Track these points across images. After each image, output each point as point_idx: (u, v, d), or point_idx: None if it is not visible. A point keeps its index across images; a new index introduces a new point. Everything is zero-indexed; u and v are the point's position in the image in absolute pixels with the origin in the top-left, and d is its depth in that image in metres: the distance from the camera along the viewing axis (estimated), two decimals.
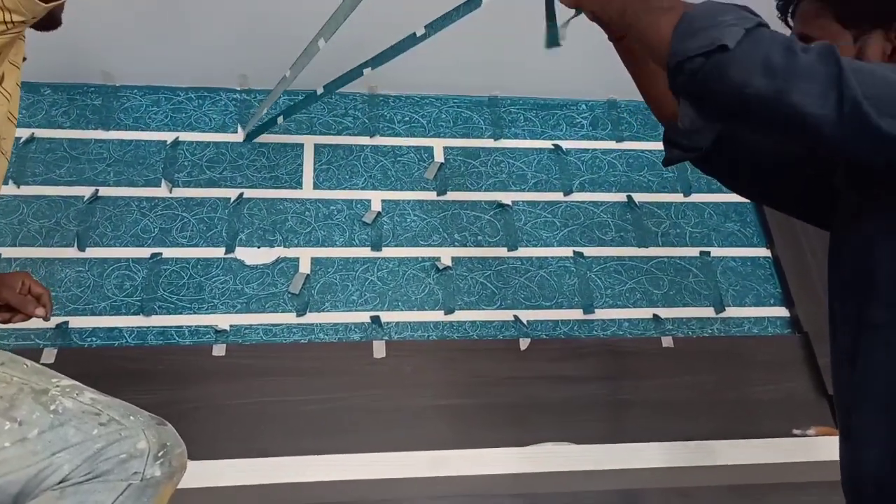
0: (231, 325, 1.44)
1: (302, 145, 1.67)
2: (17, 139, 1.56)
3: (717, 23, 0.67)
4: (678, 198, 1.72)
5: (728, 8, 0.69)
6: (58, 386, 0.76)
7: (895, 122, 0.63)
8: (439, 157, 1.70)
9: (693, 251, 1.64)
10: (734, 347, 1.54)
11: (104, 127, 1.62)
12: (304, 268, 1.52)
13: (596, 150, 1.77)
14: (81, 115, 1.63)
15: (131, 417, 0.77)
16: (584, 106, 1.83)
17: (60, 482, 0.71)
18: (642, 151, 1.78)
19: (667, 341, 1.53)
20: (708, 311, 1.59)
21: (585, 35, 1.65)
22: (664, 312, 1.57)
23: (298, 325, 1.46)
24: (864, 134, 0.64)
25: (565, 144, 1.76)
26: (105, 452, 0.73)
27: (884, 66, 0.68)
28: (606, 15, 0.85)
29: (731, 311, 1.59)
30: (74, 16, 1.51)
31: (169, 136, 1.63)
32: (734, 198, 1.74)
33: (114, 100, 1.66)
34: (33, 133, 1.58)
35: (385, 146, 1.70)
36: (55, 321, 1.39)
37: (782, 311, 1.61)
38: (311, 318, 1.47)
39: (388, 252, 1.56)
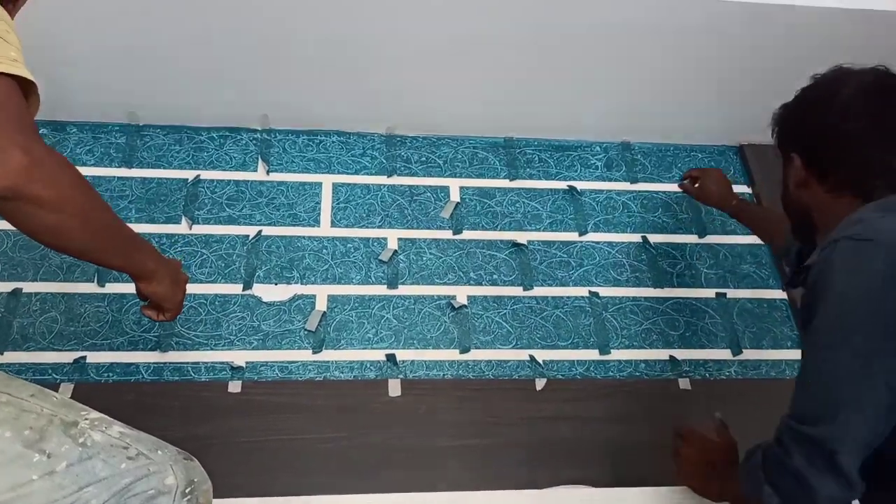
0: (247, 362, 1.44)
1: (320, 184, 1.69)
2: None
3: (753, 492, 0.92)
4: (693, 239, 1.73)
5: (746, 471, 0.96)
6: (87, 419, 0.76)
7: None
8: (455, 196, 1.72)
9: (709, 292, 1.64)
10: (752, 391, 1.53)
11: (127, 165, 1.65)
12: (321, 305, 1.52)
13: (610, 190, 1.78)
14: (105, 153, 1.67)
15: (159, 452, 0.77)
16: (598, 147, 1.86)
17: None
18: (656, 192, 1.80)
19: (684, 383, 1.52)
20: (725, 353, 1.58)
21: (600, 78, 1.69)
22: (681, 354, 1.56)
23: (314, 362, 1.46)
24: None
25: (580, 185, 1.78)
26: (133, 488, 0.72)
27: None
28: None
29: (749, 354, 1.58)
30: (102, 58, 1.57)
31: (190, 174, 1.66)
32: (749, 240, 1.74)
33: (137, 139, 1.70)
34: None
35: (402, 186, 1.72)
36: (72, 356, 1.39)
37: (799, 355, 1.59)
38: (327, 355, 1.47)
39: (404, 290, 1.57)
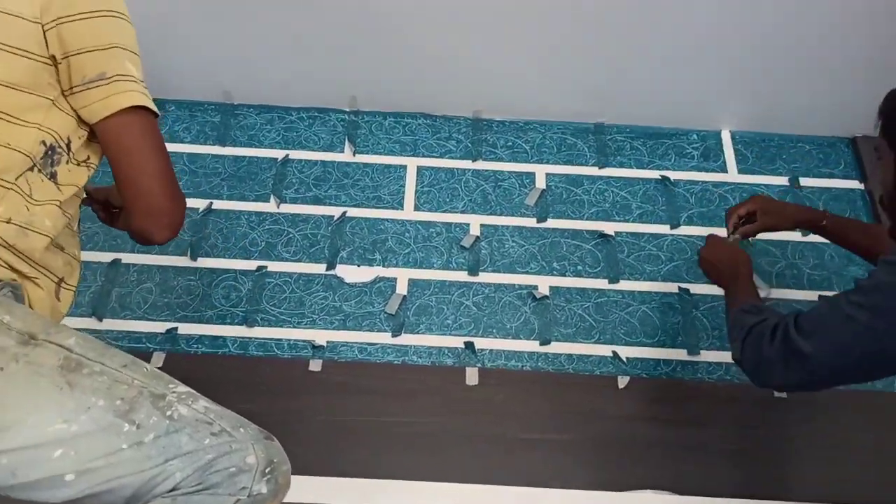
0: (328, 342, 1.45)
1: (405, 167, 1.69)
2: None
3: (733, 339, 1.07)
4: (796, 237, 1.61)
5: (739, 320, 1.06)
6: (175, 392, 0.78)
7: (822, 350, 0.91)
8: (541, 183, 1.67)
9: (811, 295, 1.53)
10: (851, 400, 1.42)
11: (221, 143, 1.70)
12: (402, 288, 1.52)
13: (707, 182, 1.69)
14: (201, 131, 1.72)
15: (241, 430, 0.78)
16: (694, 136, 1.76)
17: (171, 490, 0.72)
18: (757, 186, 1.69)
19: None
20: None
21: (697, 61, 1.60)
22: None
23: (393, 345, 1.46)
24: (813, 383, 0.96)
25: (673, 175, 1.69)
26: (215, 464, 0.74)
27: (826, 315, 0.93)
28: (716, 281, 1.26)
29: None
30: (200, 39, 1.61)
31: (280, 154, 1.69)
32: None
33: (231, 117, 1.74)
34: None
35: (487, 171, 1.69)
36: (166, 326, 1.45)
37: None
38: (406, 339, 1.47)
39: (485, 277, 1.54)
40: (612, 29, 1.54)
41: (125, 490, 0.72)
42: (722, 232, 1.32)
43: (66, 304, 0.91)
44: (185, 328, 1.46)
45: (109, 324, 1.45)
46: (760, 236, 1.60)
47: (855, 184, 1.70)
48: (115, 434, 0.73)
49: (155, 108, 0.89)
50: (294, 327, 1.47)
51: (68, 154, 0.87)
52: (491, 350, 1.46)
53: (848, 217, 1.56)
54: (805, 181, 1.70)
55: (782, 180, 1.70)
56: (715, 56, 1.59)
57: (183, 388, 0.80)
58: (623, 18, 1.51)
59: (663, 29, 1.53)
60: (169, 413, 0.75)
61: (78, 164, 0.89)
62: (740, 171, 1.71)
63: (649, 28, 1.53)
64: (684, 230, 1.62)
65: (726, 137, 1.76)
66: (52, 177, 0.86)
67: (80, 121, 0.87)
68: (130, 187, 0.88)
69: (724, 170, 1.71)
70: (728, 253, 1.22)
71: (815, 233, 1.33)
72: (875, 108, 1.64)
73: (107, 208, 1.08)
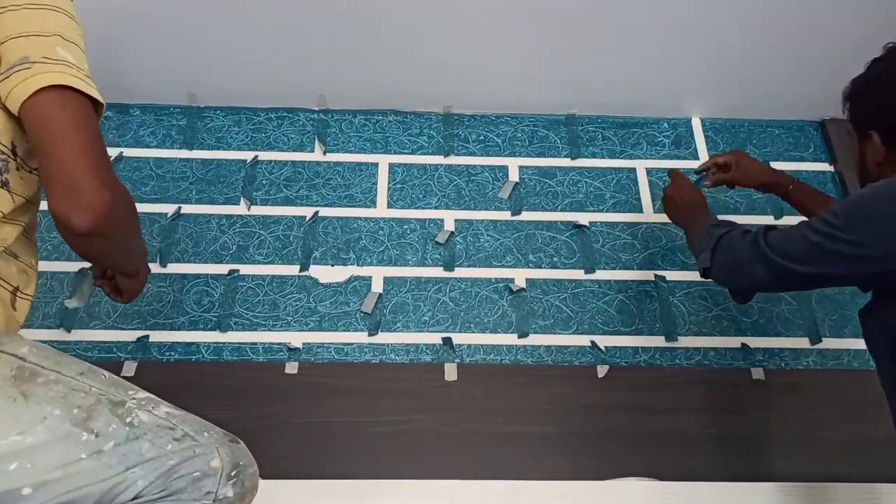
0: (304, 343, 1.43)
1: (377, 164, 1.67)
2: None
3: (702, 251, 1.12)
4: (768, 220, 1.62)
5: (709, 233, 1.11)
6: (134, 398, 0.76)
7: (794, 263, 0.94)
8: (514, 176, 1.66)
9: None
10: (832, 381, 1.43)
11: (188, 146, 1.67)
12: (377, 287, 1.50)
13: (679, 169, 1.68)
14: (167, 134, 1.69)
15: (205, 434, 0.76)
16: (665, 124, 1.76)
17: (134, 499, 0.70)
18: None
19: (757, 373, 1.43)
20: (802, 342, 1.48)
21: (665, 49, 1.60)
22: (753, 342, 1.47)
23: (370, 344, 1.44)
24: (786, 278, 0.97)
25: (646, 164, 1.69)
26: (179, 469, 0.72)
27: (794, 230, 0.96)
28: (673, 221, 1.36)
29: (828, 343, 1.48)
30: (163, 41, 1.58)
31: (248, 156, 1.66)
32: None
33: (198, 120, 1.71)
34: (122, 152, 1.64)
35: (459, 165, 1.68)
36: (136, 335, 1.42)
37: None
38: (383, 337, 1.45)
39: (461, 272, 1.53)
40: (581, 20, 1.53)
41: (87, 500, 0.70)
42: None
43: (23, 314, 0.88)
44: (156, 336, 1.43)
45: (78, 335, 1.42)
46: (735, 219, 1.61)
47: (825, 166, 1.71)
48: (73, 443, 0.70)
49: (95, 95, 0.79)
50: (269, 330, 1.45)
51: (15, 160, 0.83)
52: (469, 345, 1.45)
53: (815, 189, 1.56)
54: (776, 164, 1.70)
55: None
56: (683, 44, 1.59)
57: (143, 394, 0.77)
58: (591, 9, 1.50)
59: (631, 18, 1.52)
60: (129, 420, 0.73)
61: (30, 172, 0.86)
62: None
63: (617, 18, 1.52)
64: (658, 217, 1.62)
65: (697, 125, 1.76)
66: (4, 185, 0.83)
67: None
68: (50, 164, 0.75)
69: (695, 157, 1.71)
70: (690, 189, 1.32)
71: (780, 197, 1.37)
72: (842, 91, 1.66)
73: (109, 280, 1.03)
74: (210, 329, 1.44)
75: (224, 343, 1.43)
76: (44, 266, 1.44)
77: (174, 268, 1.51)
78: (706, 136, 1.75)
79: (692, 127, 1.76)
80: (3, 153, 0.81)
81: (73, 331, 1.42)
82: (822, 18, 1.52)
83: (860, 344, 1.45)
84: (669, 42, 1.59)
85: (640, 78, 1.68)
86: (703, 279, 1.13)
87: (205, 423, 0.78)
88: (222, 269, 1.51)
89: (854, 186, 1.65)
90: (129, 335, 1.42)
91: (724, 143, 1.74)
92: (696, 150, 1.72)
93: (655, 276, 1.54)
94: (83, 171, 0.74)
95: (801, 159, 1.72)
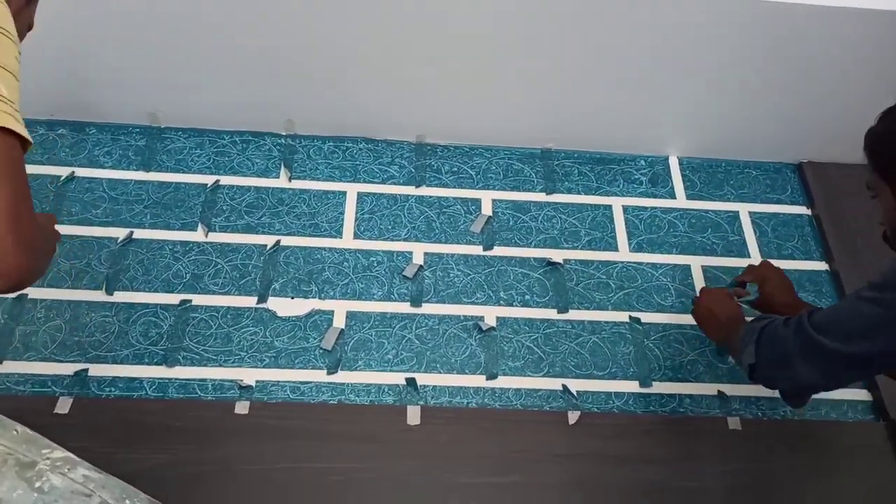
0: (257, 381, 1.34)
1: (345, 193, 1.60)
2: (58, 178, 1.54)
3: (745, 347, 1.05)
4: (746, 263, 1.57)
5: (749, 329, 1.07)
6: (48, 458, 0.66)
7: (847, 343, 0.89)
8: (487, 210, 1.61)
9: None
10: (811, 432, 1.37)
11: (145, 168, 1.58)
12: (339, 322, 1.42)
13: (655, 208, 1.65)
14: (124, 155, 1.60)
15: (127, 501, 0.66)
16: (642, 161, 1.73)
17: None
18: (706, 212, 1.65)
19: (733, 422, 1.37)
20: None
21: (644, 86, 1.57)
22: (730, 389, 1.41)
23: (328, 383, 1.35)
24: (836, 364, 0.92)
25: (622, 202, 1.65)
26: None
27: (842, 304, 0.96)
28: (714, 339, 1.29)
29: None
30: (124, 57, 1.51)
31: (209, 180, 1.58)
32: (807, 266, 1.59)
33: (158, 141, 1.63)
34: (73, 171, 1.55)
35: (431, 197, 1.62)
36: (74, 368, 1.31)
37: (864, 395, 1.44)
38: (343, 376, 1.36)
39: (429, 309, 1.46)
40: (559, 53, 1.49)
41: None
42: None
43: None
44: (96, 369, 1.32)
45: (10, 366, 1.31)
46: (712, 262, 1.57)
47: (802, 209, 1.68)
48: None
49: (23, 133, 0.70)
50: (220, 366, 1.35)
51: None
52: (434, 386, 1.37)
53: None
54: (753, 207, 1.67)
55: (731, 206, 1.67)
56: (662, 82, 1.56)
57: (60, 454, 0.68)
58: (569, 43, 1.47)
59: (611, 54, 1.49)
60: (38, 485, 0.64)
61: None
62: (689, 197, 1.68)
63: (597, 53, 1.49)
64: (634, 257, 1.57)
65: (674, 163, 1.73)
66: None
67: None
68: None
69: (672, 195, 1.67)
70: (726, 301, 1.24)
71: None
72: (821, 134, 1.65)
73: None
74: (156, 363, 1.34)
75: (170, 379, 1.33)
76: None
77: (121, 296, 1.41)
78: (683, 175, 1.71)
79: (669, 165, 1.73)
80: None
81: (4, 362, 1.31)
82: (801, 61, 1.50)
83: (838, 395, 1.42)
84: (648, 78, 1.56)
85: (618, 114, 1.64)
86: (751, 381, 1.07)
87: (128, 489, 0.69)
88: (173, 298, 1.42)
89: (834, 232, 1.62)
90: (67, 368, 1.31)
91: (701, 182, 1.71)
92: (672, 189, 1.69)
93: (630, 317, 1.48)
94: (1, 232, 0.65)
95: (779, 202, 1.69)
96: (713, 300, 1.25)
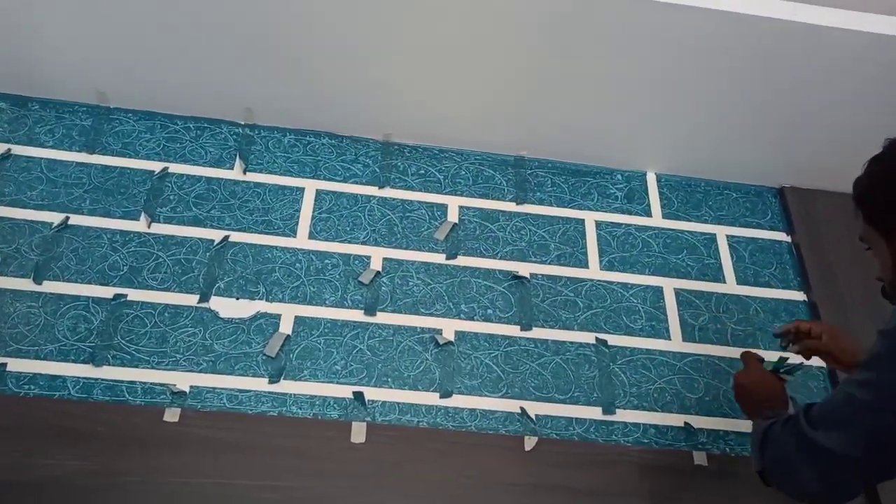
0: (191, 387, 1.24)
1: (303, 189, 1.50)
2: None
3: (752, 451, 0.98)
4: (721, 288, 1.51)
5: (755, 429, 0.99)
6: None
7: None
8: (453, 216, 1.52)
9: (734, 352, 1.42)
10: None
11: (89, 150, 1.47)
12: (286, 327, 1.32)
13: (630, 225, 1.57)
14: (67, 134, 1.49)
15: None
16: (619, 176, 1.65)
17: None
18: (682, 232, 1.58)
19: (699, 457, 1.30)
20: (749, 425, 1.35)
21: (624, 102, 1.50)
22: (697, 421, 1.34)
23: (269, 393, 1.25)
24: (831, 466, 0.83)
25: (596, 216, 1.57)
26: None
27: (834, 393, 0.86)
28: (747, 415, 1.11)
29: None
30: (74, 29, 1.40)
31: (157, 166, 1.47)
32: (784, 295, 1.53)
33: (105, 122, 1.52)
34: (10, 149, 1.44)
35: (394, 199, 1.52)
36: None
37: None
38: (285, 386, 1.27)
39: (383, 318, 1.37)
40: (538, 59, 1.42)
41: None
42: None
43: None
44: (16, 364, 1.21)
45: None
46: (685, 285, 1.49)
47: (782, 235, 1.62)
48: None
49: None
50: (152, 368, 1.25)
51: None
52: (384, 402, 1.28)
53: None
54: (731, 230, 1.61)
55: (708, 228, 1.60)
56: (643, 95, 1.49)
57: None
58: (550, 47, 1.39)
59: (592, 63, 1.42)
60: None
61: None
62: (665, 216, 1.60)
63: (578, 61, 1.41)
64: (604, 275, 1.49)
65: (651, 180, 1.66)
66: None
67: None
68: None
69: (648, 213, 1.60)
70: (765, 376, 1.10)
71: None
72: (803, 159, 1.58)
73: None
74: (82, 361, 1.24)
75: (96, 379, 1.22)
76: None
77: (50, 286, 1.30)
78: (660, 193, 1.64)
79: (646, 181, 1.66)
80: None
81: None
82: (785, 83, 1.44)
83: None
84: (629, 92, 1.48)
85: (597, 125, 1.57)
86: (763, 483, 0.98)
87: None
88: (107, 292, 1.31)
89: (814, 260, 1.55)
90: None
91: (678, 201, 1.64)
92: (649, 206, 1.61)
93: (597, 338, 1.40)
94: None
95: (758, 226, 1.63)
96: (749, 372, 1.11)
